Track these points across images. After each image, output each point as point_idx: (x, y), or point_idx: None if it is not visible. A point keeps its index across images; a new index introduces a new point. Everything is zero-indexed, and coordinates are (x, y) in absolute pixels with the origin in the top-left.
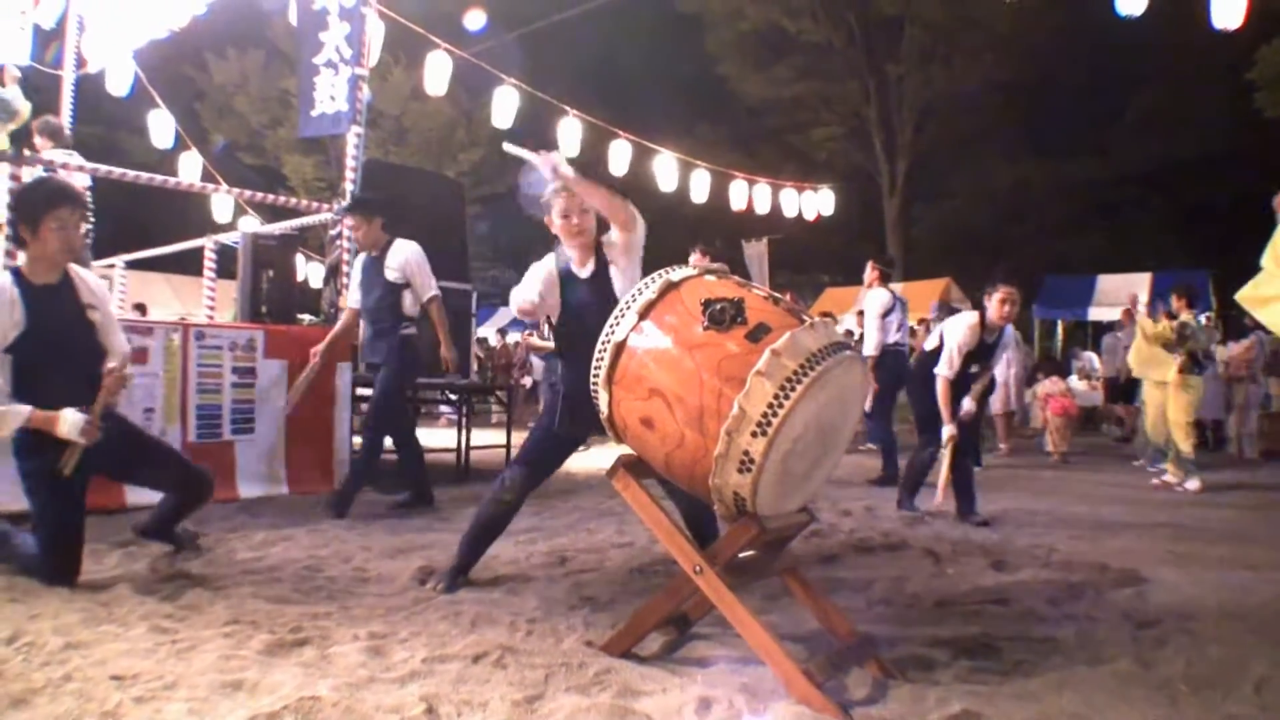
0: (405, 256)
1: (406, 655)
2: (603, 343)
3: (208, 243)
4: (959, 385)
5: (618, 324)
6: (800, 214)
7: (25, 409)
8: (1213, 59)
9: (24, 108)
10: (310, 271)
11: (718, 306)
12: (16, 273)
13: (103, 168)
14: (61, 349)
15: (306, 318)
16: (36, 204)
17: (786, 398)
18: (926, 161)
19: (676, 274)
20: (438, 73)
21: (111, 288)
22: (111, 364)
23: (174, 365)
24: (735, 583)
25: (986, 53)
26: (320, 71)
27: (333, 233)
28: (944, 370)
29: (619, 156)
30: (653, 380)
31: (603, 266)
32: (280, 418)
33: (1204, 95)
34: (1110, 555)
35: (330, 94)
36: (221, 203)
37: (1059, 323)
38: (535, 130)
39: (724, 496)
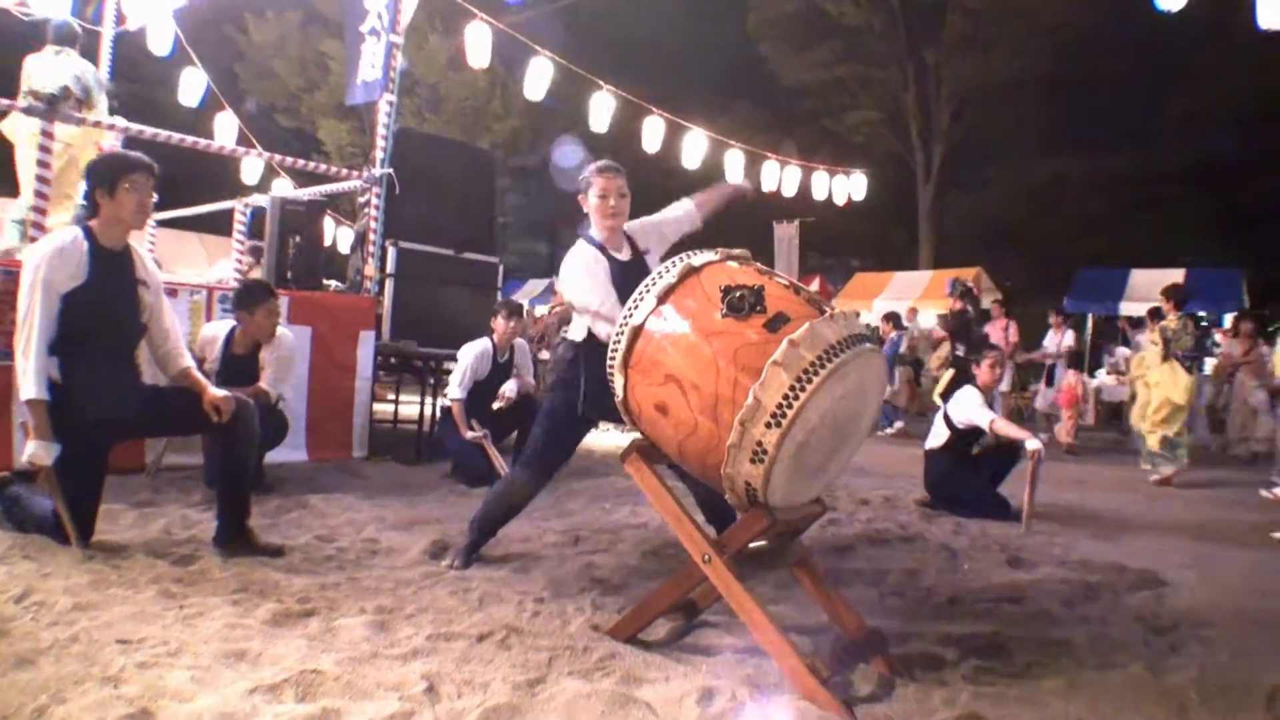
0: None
1: (412, 631)
2: (620, 325)
3: (238, 205)
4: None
5: (636, 307)
6: (830, 197)
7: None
8: (1257, 56)
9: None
10: (340, 236)
11: (737, 294)
12: (88, 231)
13: (134, 126)
14: (108, 313)
15: (333, 284)
16: (114, 168)
17: (803, 389)
18: (962, 150)
19: (698, 259)
20: (479, 44)
21: (141, 244)
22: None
23: (197, 327)
24: (744, 573)
25: (1027, 42)
26: (365, 39)
27: (361, 200)
28: (985, 420)
29: (652, 133)
30: (669, 366)
31: (638, 254)
32: (303, 384)
33: (1246, 92)
34: (1130, 555)
35: (371, 62)
36: (252, 165)
37: (1089, 316)
38: (569, 102)
39: (736, 486)
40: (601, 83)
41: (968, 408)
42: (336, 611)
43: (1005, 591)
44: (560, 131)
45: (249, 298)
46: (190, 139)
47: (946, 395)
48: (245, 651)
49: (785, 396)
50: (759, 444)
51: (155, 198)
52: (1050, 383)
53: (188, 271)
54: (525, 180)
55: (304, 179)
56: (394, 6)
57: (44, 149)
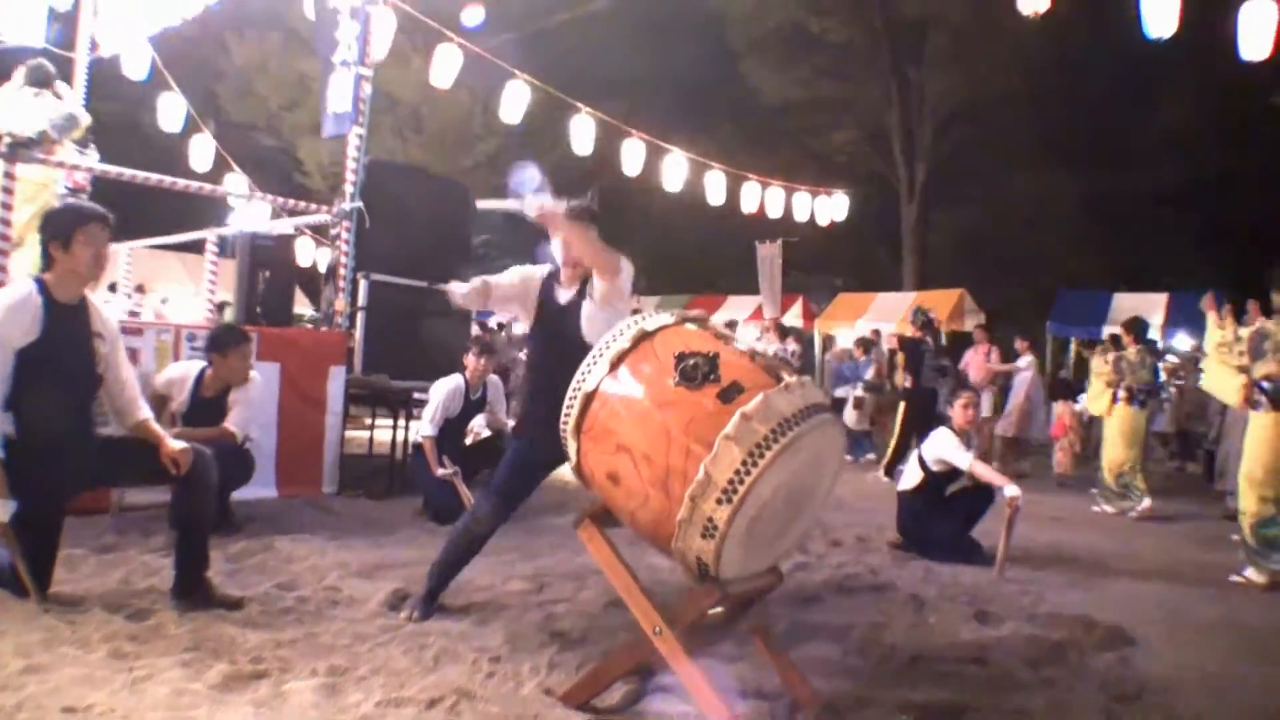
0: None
1: (361, 697)
2: (573, 391)
3: (209, 236)
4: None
5: (589, 372)
6: (813, 217)
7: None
8: (1240, 79)
9: (85, 119)
10: (320, 257)
11: (690, 362)
12: (42, 285)
13: (99, 167)
14: (62, 368)
15: (307, 313)
16: (68, 221)
17: (754, 464)
18: (946, 168)
19: (652, 322)
20: (446, 65)
21: (115, 267)
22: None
23: (164, 367)
24: (696, 644)
25: (1011, 60)
26: (336, 69)
27: (333, 233)
28: (963, 461)
29: (631, 155)
30: (621, 435)
31: (580, 297)
32: (272, 420)
33: (1230, 113)
34: (1100, 606)
35: (342, 93)
36: (234, 183)
37: (1072, 340)
38: (549, 125)
39: (687, 560)
40: (580, 105)
41: (943, 449)
42: (289, 673)
43: (969, 650)
44: (543, 152)
45: (223, 341)
46: (156, 177)
47: (902, 433)
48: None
49: (737, 472)
50: (710, 519)
51: (111, 247)
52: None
53: (168, 289)
54: (507, 199)
55: (275, 210)
56: (364, 38)
57: (6, 190)
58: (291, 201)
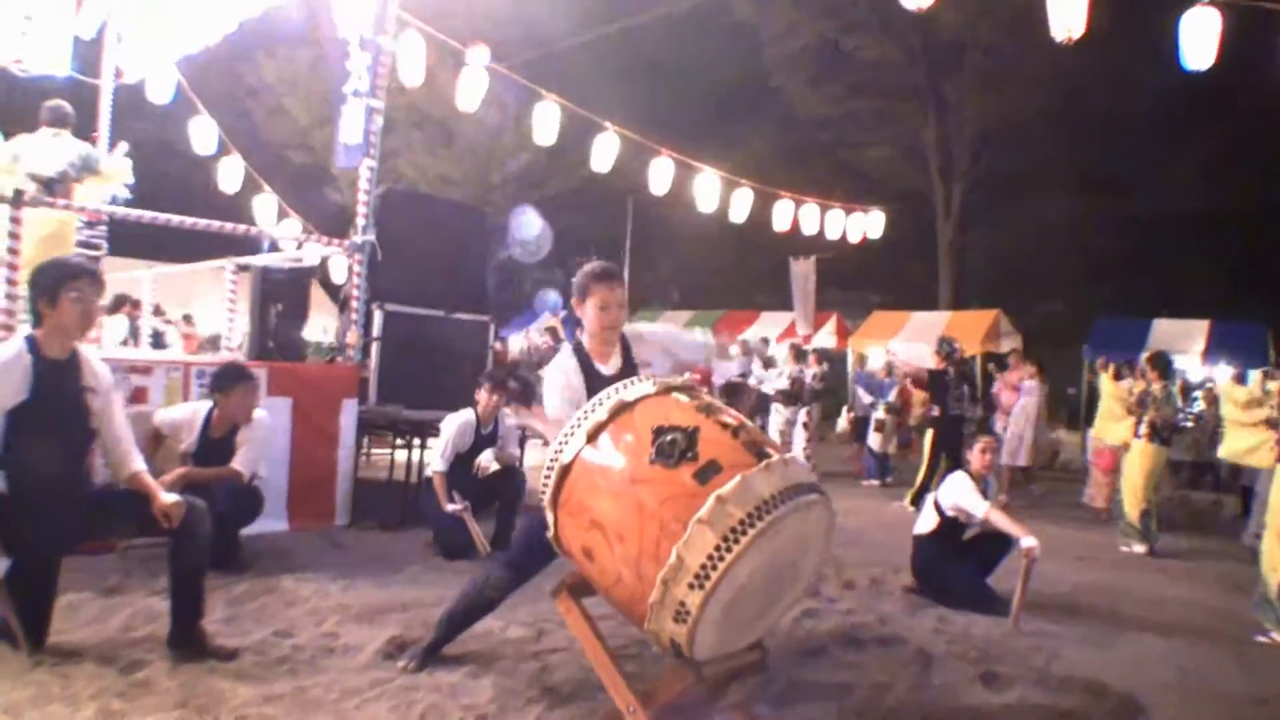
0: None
1: None
2: (550, 462)
3: (228, 265)
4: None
5: (565, 443)
6: (846, 234)
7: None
8: None
9: (111, 169)
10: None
11: (668, 438)
12: (32, 342)
13: (120, 210)
14: (54, 424)
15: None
16: (56, 278)
17: (729, 550)
18: (984, 187)
19: (631, 391)
20: (472, 87)
21: (142, 288)
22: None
23: (173, 405)
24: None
25: (1048, 82)
26: (348, 100)
27: (347, 263)
28: (978, 510)
29: (660, 174)
30: (595, 511)
31: (630, 366)
32: (284, 455)
33: (1272, 139)
34: (1114, 669)
35: (353, 125)
36: (264, 204)
37: (1111, 366)
38: (577, 142)
39: (661, 641)
40: (607, 123)
41: (958, 494)
42: None
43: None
44: (574, 168)
45: (225, 380)
46: (177, 218)
47: (930, 460)
48: None
49: (710, 557)
50: (682, 604)
51: (100, 302)
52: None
53: (199, 304)
54: (542, 208)
55: (289, 245)
56: (374, 70)
57: (13, 235)
58: (302, 235)
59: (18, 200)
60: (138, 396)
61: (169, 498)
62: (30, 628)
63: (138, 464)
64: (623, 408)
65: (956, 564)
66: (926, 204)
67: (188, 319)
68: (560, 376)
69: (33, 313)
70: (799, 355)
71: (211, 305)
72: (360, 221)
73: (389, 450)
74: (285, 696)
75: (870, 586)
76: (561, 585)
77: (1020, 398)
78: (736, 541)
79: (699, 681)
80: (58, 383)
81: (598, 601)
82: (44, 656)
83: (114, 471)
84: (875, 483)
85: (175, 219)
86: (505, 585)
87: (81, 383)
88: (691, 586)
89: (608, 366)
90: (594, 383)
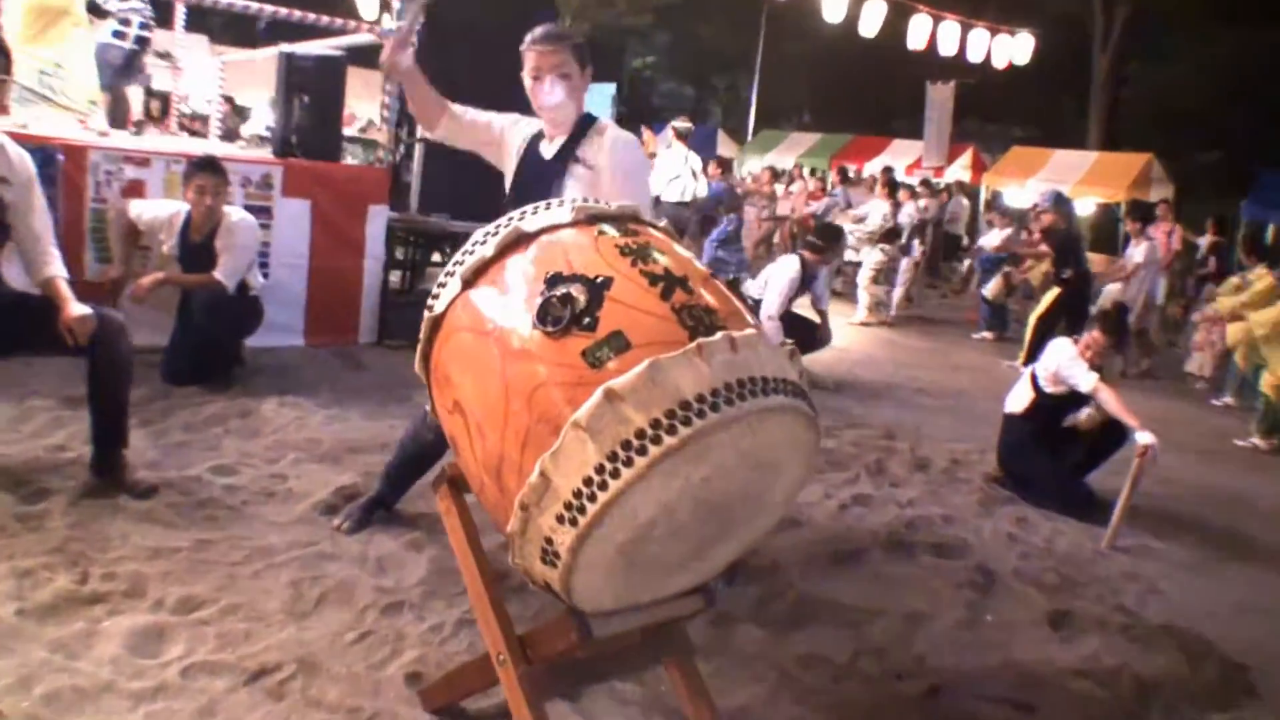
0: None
1: (181, 652)
2: (425, 312)
3: (277, 53)
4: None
5: (441, 290)
6: (988, 59)
7: None
8: None
9: None
10: None
11: (559, 292)
12: None
13: None
14: None
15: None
16: None
17: (614, 474)
18: (1149, 15)
19: (533, 220)
20: None
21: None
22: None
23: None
24: (578, 673)
25: None
26: None
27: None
28: (1086, 382)
29: None
30: (458, 389)
31: (568, 154)
32: (302, 262)
33: None
34: (1223, 619)
35: None
36: None
37: (1270, 227)
38: None
39: (533, 580)
40: None
41: (1060, 362)
42: (130, 600)
43: (1015, 687)
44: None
45: (186, 173)
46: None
47: (1045, 317)
48: None
49: (588, 481)
50: (549, 541)
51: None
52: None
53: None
54: (671, 18)
55: (292, 30)
56: None
57: None
58: (326, 19)
59: None
60: (133, 189)
61: (78, 309)
62: None
63: (54, 269)
64: (518, 240)
65: (1046, 455)
66: (1082, 30)
67: (239, 111)
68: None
69: None
70: (892, 187)
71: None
72: (396, 3)
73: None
74: (179, 553)
75: (947, 470)
76: (442, 474)
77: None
78: (628, 463)
79: (585, 641)
80: None
81: None
82: None
83: (29, 274)
84: (989, 335)
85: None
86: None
87: None
88: (561, 520)
89: (550, 145)
90: (530, 152)
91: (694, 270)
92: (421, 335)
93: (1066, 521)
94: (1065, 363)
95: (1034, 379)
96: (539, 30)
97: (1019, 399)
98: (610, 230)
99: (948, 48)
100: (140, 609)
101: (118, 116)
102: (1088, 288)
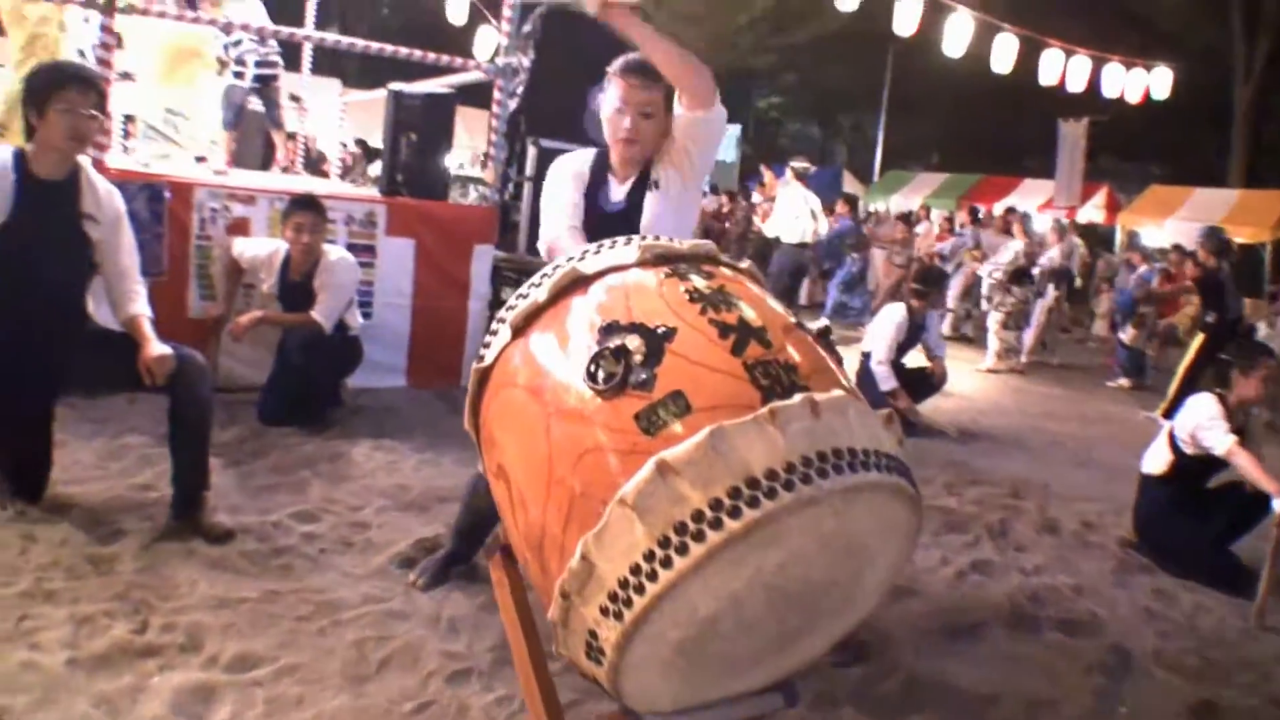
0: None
1: (225, 716)
2: (475, 363)
3: (386, 94)
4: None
5: (492, 339)
6: (1123, 94)
7: None
8: None
9: None
10: None
11: (612, 344)
12: (19, 156)
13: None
14: (40, 253)
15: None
16: (45, 84)
17: (667, 563)
18: None
19: (592, 261)
20: None
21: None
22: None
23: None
24: None
25: None
26: None
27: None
28: (1220, 444)
29: (906, 13)
30: (501, 451)
31: (642, 184)
32: (406, 303)
33: None
34: None
35: None
36: (485, 38)
37: None
38: None
39: (583, 674)
40: None
41: (1198, 421)
42: (186, 654)
43: None
44: (823, 9)
45: (285, 212)
46: (362, 43)
47: (1191, 367)
48: (7, 710)
49: (636, 569)
50: (592, 635)
51: (98, 116)
52: None
53: None
54: (795, 58)
55: (423, 71)
56: None
57: (105, 46)
58: (432, 56)
59: (109, 6)
60: (238, 227)
61: (157, 349)
62: (19, 478)
63: (138, 307)
64: (574, 284)
65: (1188, 521)
66: (1222, 63)
67: (371, 154)
68: (563, 177)
69: (25, 125)
70: (1005, 224)
71: None
72: (503, 41)
73: None
74: (244, 604)
75: (1077, 533)
76: (495, 540)
77: None
78: (682, 550)
79: None
80: (48, 206)
81: None
82: (29, 510)
83: (114, 313)
84: (1125, 383)
85: (362, 44)
86: None
87: (79, 208)
88: (605, 612)
89: (622, 185)
90: (598, 194)
91: (775, 319)
92: (469, 388)
93: (1209, 594)
94: (1205, 422)
95: (1172, 438)
96: (634, 60)
97: (1157, 459)
98: (680, 273)
99: (1079, 83)
100: (193, 664)
101: (265, 159)
102: (1235, 335)
